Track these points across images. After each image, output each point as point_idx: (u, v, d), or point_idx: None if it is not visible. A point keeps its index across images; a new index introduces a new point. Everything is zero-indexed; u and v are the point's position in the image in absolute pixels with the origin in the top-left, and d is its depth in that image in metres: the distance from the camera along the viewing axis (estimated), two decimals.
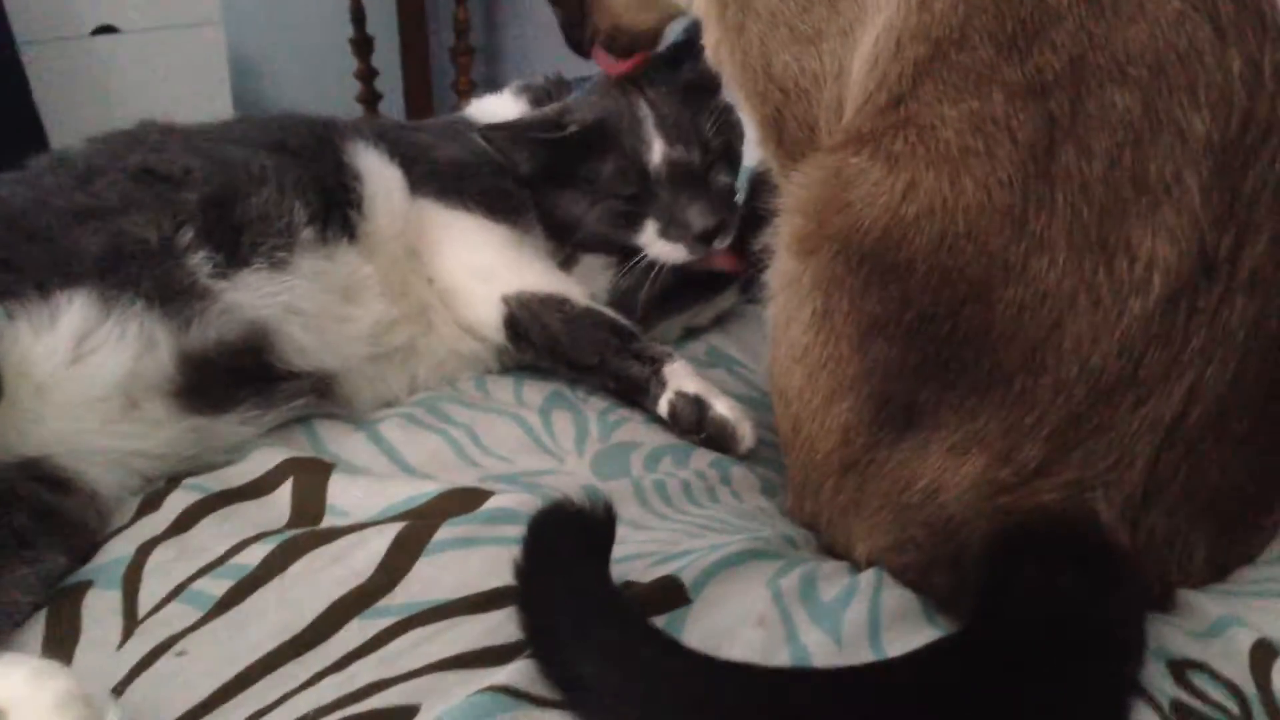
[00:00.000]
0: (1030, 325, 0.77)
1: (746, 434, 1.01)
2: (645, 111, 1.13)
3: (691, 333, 1.25)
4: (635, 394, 1.04)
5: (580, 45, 1.24)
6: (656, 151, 1.12)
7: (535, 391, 1.07)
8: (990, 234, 0.78)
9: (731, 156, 1.18)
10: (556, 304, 1.06)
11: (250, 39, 3.60)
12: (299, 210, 1.00)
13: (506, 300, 1.06)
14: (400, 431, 0.99)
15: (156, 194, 0.97)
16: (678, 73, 1.16)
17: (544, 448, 0.99)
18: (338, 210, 1.03)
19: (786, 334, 0.88)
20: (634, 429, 1.02)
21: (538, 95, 1.24)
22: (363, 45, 3.32)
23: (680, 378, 1.03)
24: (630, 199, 1.13)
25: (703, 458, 1.00)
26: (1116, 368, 0.77)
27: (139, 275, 0.91)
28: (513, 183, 1.14)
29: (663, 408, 1.02)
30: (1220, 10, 0.80)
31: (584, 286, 1.13)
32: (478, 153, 1.16)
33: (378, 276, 1.04)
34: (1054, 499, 0.77)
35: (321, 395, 0.99)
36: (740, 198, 1.22)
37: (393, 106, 3.42)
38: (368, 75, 3.34)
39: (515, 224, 1.12)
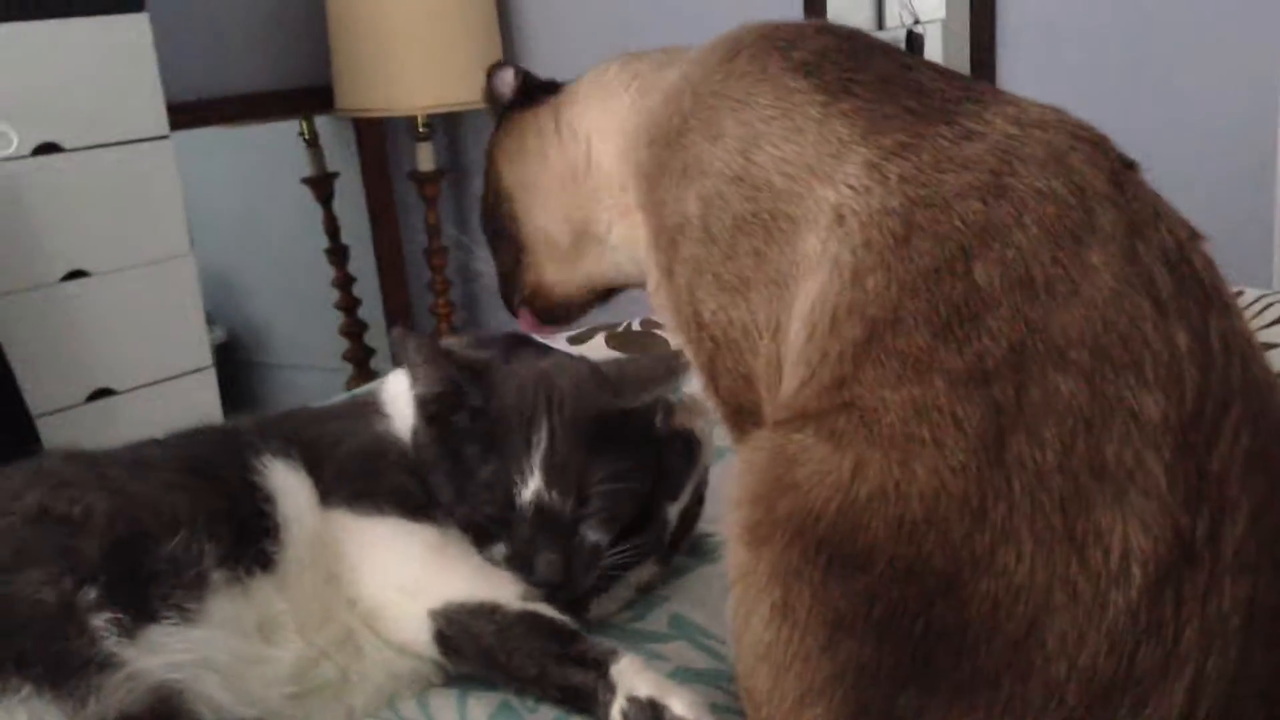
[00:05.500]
0: (1008, 622, 0.72)
1: None
2: (541, 437, 1.05)
3: (648, 599, 1.17)
4: (583, 704, 0.96)
5: (510, 299, 1.21)
6: (530, 488, 1.05)
7: (481, 709, 0.99)
8: (951, 523, 0.73)
9: (614, 515, 1.08)
10: (487, 612, 0.98)
11: (226, 257, 3.64)
12: (210, 552, 0.94)
13: (434, 615, 0.99)
14: None
15: (55, 543, 0.91)
16: (594, 401, 1.08)
17: None
18: (251, 543, 0.97)
19: (748, 628, 0.81)
20: None
21: None
22: (338, 254, 3.35)
23: (630, 679, 0.94)
24: (490, 518, 1.06)
25: None
26: (1109, 667, 0.71)
27: (32, 650, 0.84)
28: (418, 479, 1.08)
29: (615, 718, 0.94)
30: (1159, 285, 0.76)
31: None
32: (381, 439, 1.11)
33: (294, 609, 0.97)
34: None
35: None
36: None
37: (371, 310, 3.43)
38: (345, 283, 3.36)
39: (435, 519, 1.06)
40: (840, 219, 0.84)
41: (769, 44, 0.95)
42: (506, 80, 1.16)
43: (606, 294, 1.18)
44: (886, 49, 0.96)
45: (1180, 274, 0.77)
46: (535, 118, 1.14)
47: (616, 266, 1.12)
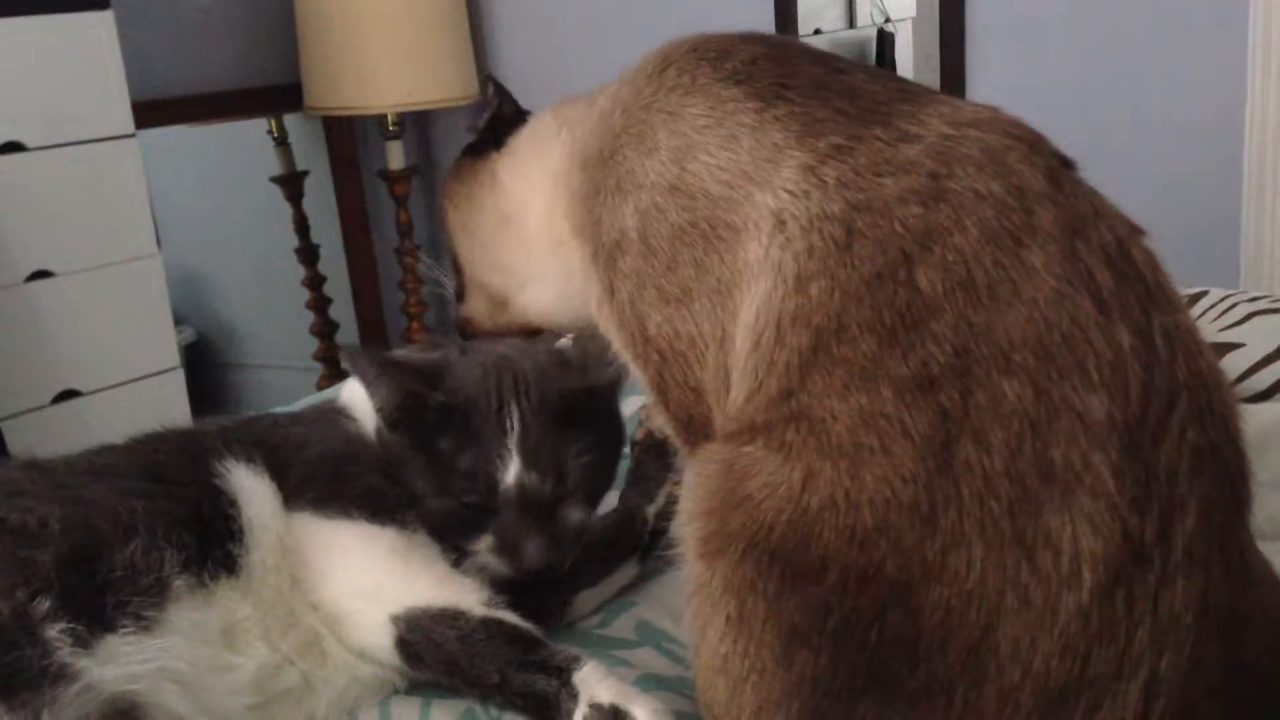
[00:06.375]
0: (961, 628, 0.72)
1: None
2: (513, 421, 1.06)
3: (615, 605, 1.17)
4: (546, 711, 0.95)
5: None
6: (512, 471, 1.05)
7: (444, 716, 0.98)
8: (901, 530, 0.73)
9: (591, 491, 1.11)
10: (450, 618, 0.98)
11: (195, 257, 3.61)
12: (171, 558, 0.93)
13: (395, 621, 0.98)
14: None
15: (8, 554, 0.89)
16: (557, 382, 1.09)
17: None
18: (215, 547, 0.96)
19: (704, 642, 0.82)
20: None
21: None
22: (308, 253, 3.33)
23: (592, 686, 0.94)
24: (472, 507, 1.06)
25: None
26: (1063, 670, 0.71)
27: None
28: (388, 479, 1.07)
29: None
30: (1100, 284, 0.76)
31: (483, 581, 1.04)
32: (352, 442, 1.10)
33: (259, 614, 0.96)
34: None
35: None
36: None
37: (342, 309, 3.41)
38: (315, 282, 3.34)
39: (401, 524, 1.05)
40: (781, 225, 0.83)
41: (697, 57, 0.95)
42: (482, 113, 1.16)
43: (534, 331, 1.18)
44: (818, 54, 0.95)
45: (1121, 271, 0.77)
46: (475, 169, 1.15)
47: (541, 314, 1.13)
